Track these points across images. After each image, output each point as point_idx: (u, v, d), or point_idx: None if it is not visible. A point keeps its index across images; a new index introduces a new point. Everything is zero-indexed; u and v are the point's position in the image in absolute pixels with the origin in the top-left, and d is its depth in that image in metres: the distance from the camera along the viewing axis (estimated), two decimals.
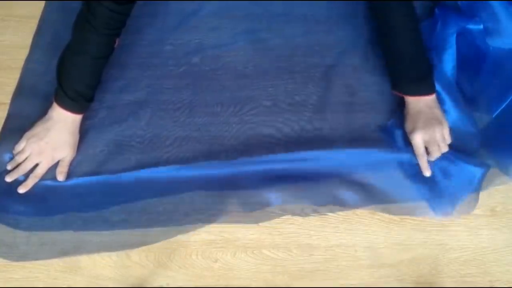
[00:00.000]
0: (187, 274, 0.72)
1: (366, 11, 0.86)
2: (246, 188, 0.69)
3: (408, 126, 0.72)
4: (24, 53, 0.79)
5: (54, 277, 0.71)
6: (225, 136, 0.74)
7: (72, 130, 0.69)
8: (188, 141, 0.74)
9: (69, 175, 0.69)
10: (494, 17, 0.77)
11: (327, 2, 0.87)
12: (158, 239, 0.70)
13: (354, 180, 0.70)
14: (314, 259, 0.74)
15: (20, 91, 0.76)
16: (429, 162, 0.70)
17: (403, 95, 0.73)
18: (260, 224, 0.73)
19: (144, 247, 0.70)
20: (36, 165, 0.68)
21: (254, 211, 0.69)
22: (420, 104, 0.71)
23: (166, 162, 0.71)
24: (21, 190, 0.67)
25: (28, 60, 0.79)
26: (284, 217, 0.72)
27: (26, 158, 0.68)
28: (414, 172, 0.71)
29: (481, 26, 0.78)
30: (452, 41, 0.77)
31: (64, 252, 0.68)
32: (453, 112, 0.75)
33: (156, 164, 0.70)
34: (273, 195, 0.69)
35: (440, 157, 0.70)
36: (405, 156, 0.71)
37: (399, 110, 0.76)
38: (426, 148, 0.70)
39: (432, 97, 0.72)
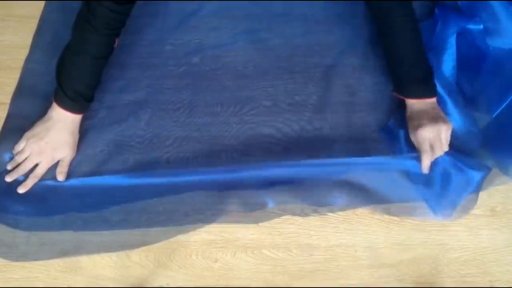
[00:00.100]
0: (187, 274, 0.72)
1: (366, 11, 0.86)
2: (246, 189, 0.69)
3: (413, 124, 0.70)
4: (24, 53, 0.79)
5: (54, 277, 0.71)
6: (225, 136, 0.74)
7: (72, 130, 0.69)
8: (188, 141, 0.73)
9: (69, 175, 0.69)
10: (494, 17, 0.77)
11: (327, 2, 0.87)
12: (158, 239, 0.70)
13: (354, 180, 0.70)
14: (314, 259, 0.74)
15: (20, 91, 0.76)
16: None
17: (405, 98, 0.73)
18: (260, 224, 0.73)
19: (144, 247, 0.70)
20: (36, 165, 0.68)
21: (254, 211, 0.69)
22: (422, 105, 0.71)
23: (166, 162, 0.71)
24: (21, 190, 0.67)
25: (28, 60, 0.79)
26: (284, 217, 0.72)
27: (26, 158, 0.68)
28: (414, 173, 0.71)
29: (481, 26, 0.78)
30: (452, 41, 0.77)
31: (64, 252, 0.68)
32: (453, 112, 0.75)
33: (156, 164, 0.70)
34: (273, 196, 0.68)
35: (440, 157, 0.70)
36: (405, 157, 0.71)
37: (399, 110, 0.75)
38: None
39: (434, 100, 0.71)
